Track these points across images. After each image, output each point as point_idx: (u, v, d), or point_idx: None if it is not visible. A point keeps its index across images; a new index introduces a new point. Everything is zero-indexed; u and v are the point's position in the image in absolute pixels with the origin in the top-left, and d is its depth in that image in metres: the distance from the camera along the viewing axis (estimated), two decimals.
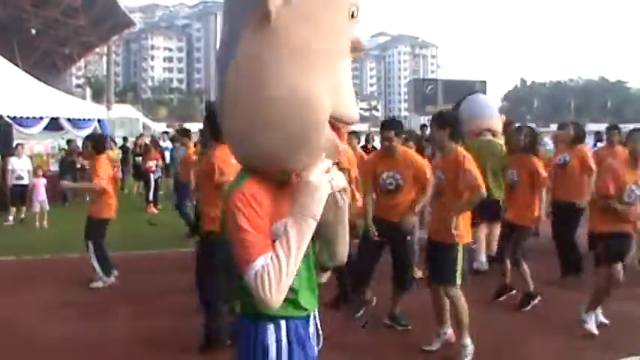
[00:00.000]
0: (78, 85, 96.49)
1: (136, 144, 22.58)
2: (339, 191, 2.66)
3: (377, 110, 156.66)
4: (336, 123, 2.54)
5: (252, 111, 2.47)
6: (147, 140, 22.31)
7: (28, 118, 17.59)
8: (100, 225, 9.43)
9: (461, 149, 6.51)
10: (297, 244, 2.41)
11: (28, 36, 45.94)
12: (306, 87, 2.42)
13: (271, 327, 2.65)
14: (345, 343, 6.50)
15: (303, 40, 2.45)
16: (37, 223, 15.32)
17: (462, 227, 6.37)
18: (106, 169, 9.36)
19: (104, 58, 65.70)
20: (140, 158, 20.43)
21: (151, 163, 18.63)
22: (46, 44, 50.86)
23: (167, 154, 21.03)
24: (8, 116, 16.54)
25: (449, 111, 8.84)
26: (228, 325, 6.35)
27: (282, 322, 2.66)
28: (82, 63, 78.70)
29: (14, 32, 45.42)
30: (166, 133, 26.82)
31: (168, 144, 22.28)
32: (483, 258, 9.90)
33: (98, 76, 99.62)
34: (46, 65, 50.37)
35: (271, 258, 2.40)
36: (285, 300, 2.48)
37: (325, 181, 2.48)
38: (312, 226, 2.45)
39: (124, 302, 8.47)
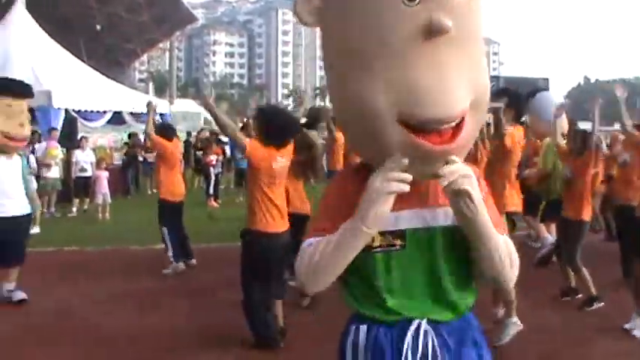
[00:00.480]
0: (141, 80, 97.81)
1: (197, 138, 22.77)
2: (463, 196, 2.20)
3: None
4: (414, 123, 2.17)
5: (334, 111, 2.53)
6: (207, 134, 22.50)
7: (92, 112, 17.86)
8: (166, 207, 9.89)
9: None
10: (336, 243, 2.27)
11: (93, 32, 46.67)
12: (355, 89, 2.23)
13: (352, 329, 2.50)
14: None
15: (346, 39, 2.28)
16: (100, 215, 15.57)
17: None
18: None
19: (167, 54, 66.42)
20: (201, 152, 20.63)
21: (212, 158, 18.75)
22: (111, 40, 51.60)
23: (227, 149, 21.18)
24: (73, 110, 16.83)
25: None
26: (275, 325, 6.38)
27: (364, 326, 2.46)
28: (145, 58, 79.79)
29: (80, 29, 46.22)
30: None
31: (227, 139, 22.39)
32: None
33: (161, 71, 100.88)
34: (110, 60, 51.17)
35: (315, 244, 2.32)
36: (372, 301, 2.41)
37: (384, 185, 2.19)
38: (356, 229, 2.23)
39: (183, 295, 8.53)
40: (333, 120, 12.30)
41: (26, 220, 8.23)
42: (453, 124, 2.17)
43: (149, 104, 10.26)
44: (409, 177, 2.19)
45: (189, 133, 27.09)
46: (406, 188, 2.19)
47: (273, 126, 6.29)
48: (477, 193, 2.21)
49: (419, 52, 2.14)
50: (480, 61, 2.28)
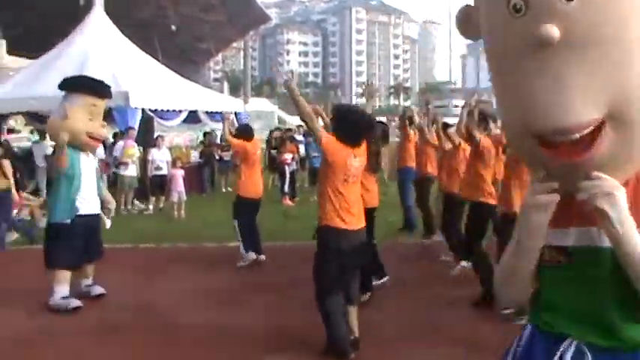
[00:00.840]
0: (216, 79, 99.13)
1: (271, 137, 22.86)
2: (602, 216, 2.06)
3: None
4: (541, 136, 2.08)
5: None
6: (282, 133, 22.57)
7: (168, 111, 18.03)
8: (244, 204, 10.24)
9: None
10: (507, 256, 2.34)
11: (168, 32, 47.42)
12: (498, 104, 2.28)
13: (518, 337, 2.45)
14: None
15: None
16: (175, 213, 15.74)
17: None
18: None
19: (241, 53, 67.14)
20: (275, 151, 20.71)
21: (287, 156, 18.78)
22: (185, 40, 52.38)
23: (301, 147, 21.19)
24: (150, 109, 17.02)
25: None
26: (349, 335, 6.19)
27: (526, 333, 2.41)
28: (219, 58, 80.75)
29: (155, 29, 47.02)
30: (301, 126, 27.01)
31: (302, 137, 22.36)
32: None
33: (235, 70, 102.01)
34: (185, 60, 51.92)
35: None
36: (535, 310, 2.38)
37: (532, 198, 2.16)
38: (516, 241, 2.27)
39: (257, 292, 8.52)
40: (409, 119, 12.25)
41: (99, 217, 8.46)
42: (577, 135, 2.00)
43: (223, 117, 11.66)
44: (554, 185, 2.12)
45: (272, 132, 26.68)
46: (553, 198, 2.13)
47: (348, 125, 6.20)
48: (618, 213, 2.03)
49: (532, 63, 2.04)
50: (621, 66, 2.01)
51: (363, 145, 6.38)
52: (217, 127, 22.02)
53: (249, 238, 10.16)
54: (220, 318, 7.42)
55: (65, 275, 7.74)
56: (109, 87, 8.48)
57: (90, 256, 8.15)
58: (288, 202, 17.96)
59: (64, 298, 7.64)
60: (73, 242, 7.74)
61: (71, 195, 7.76)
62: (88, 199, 7.98)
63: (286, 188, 18.48)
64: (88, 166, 8.04)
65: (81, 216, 7.83)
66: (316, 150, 18.56)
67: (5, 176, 11.71)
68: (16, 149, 21.19)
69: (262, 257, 10.29)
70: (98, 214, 8.33)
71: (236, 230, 10.14)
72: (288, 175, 18.62)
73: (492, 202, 7.96)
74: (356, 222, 6.13)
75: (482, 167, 7.96)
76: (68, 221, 7.72)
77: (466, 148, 8.78)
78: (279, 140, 20.85)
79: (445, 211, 9.68)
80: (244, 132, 10.81)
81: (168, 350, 6.42)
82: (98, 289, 8.23)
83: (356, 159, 6.12)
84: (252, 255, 10.09)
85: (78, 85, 8.09)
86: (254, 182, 10.45)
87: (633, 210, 2.05)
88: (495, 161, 8.36)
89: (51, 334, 6.76)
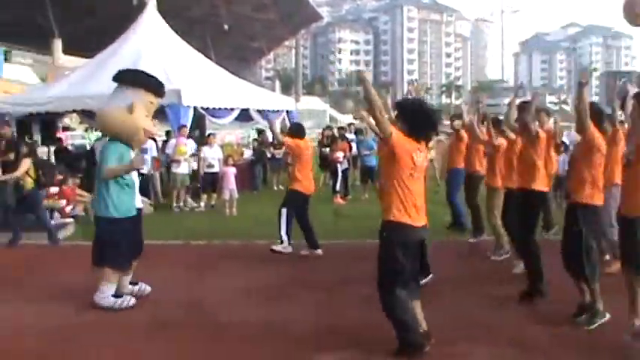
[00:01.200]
0: (267, 78, 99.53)
1: (322, 135, 22.83)
2: None
3: (566, 104, 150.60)
4: None
5: None
6: (333, 131, 22.55)
7: (220, 109, 18.12)
8: (294, 196, 10.64)
9: None
10: None
11: (221, 31, 47.79)
12: None
13: None
14: None
15: None
16: (227, 210, 15.79)
17: None
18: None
19: (293, 52, 67.42)
20: (327, 149, 20.68)
21: (339, 154, 18.71)
22: (238, 38, 52.72)
23: (353, 145, 21.10)
24: (202, 107, 17.11)
25: None
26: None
27: None
28: (271, 56, 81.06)
29: (208, 28, 47.45)
30: (352, 124, 26.93)
31: (353, 136, 22.29)
32: None
33: (287, 68, 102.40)
34: (237, 59, 52.32)
35: None
36: None
37: None
38: None
39: (307, 290, 8.47)
40: (457, 116, 12.18)
41: (141, 212, 8.45)
42: None
43: (270, 122, 12.47)
44: None
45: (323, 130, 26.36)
46: None
47: (417, 120, 6.12)
48: None
49: None
50: None
51: (428, 141, 6.37)
52: (269, 126, 22.12)
53: (304, 232, 10.65)
54: (269, 315, 7.39)
55: (115, 273, 7.67)
56: (163, 85, 8.30)
57: (135, 253, 8.02)
58: (339, 200, 17.87)
59: (115, 296, 7.61)
60: (124, 239, 7.64)
61: (127, 191, 7.74)
62: (136, 196, 8.04)
63: (338, 186, 18.40)
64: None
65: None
66: (367, 148, 18.50)
67: (30, 175, 11.83)
68: (70, 147, 21.56)
69: (319, 252, 10.53)
70: (141, 209, 8.30)
71: (282, 218, 10.44)
72: (340, 174, 18.54)
73: (545, 189, 8.09)
74: (420, 218, 6.04)
75: (537, 157, 7.87)
76: (121, 217, 7.62)
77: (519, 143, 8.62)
78: (331, 138, 20.81)
79: (507, 208, 9.43)
80: (297, 131, 10.98)
81: (215, 346, 6.40)
82: (146, 288, 8.18)
83: (421, 154, 6.04)
84: (289, 249, 10.50)
85: (139, 81, 7.95)
86: (306, 179, 10.67)
87: None
88: (547, 155, 8.22)
89: (100, 329, 6.80)
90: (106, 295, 7.55)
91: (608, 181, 7.71)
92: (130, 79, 7.93)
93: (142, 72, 8.52)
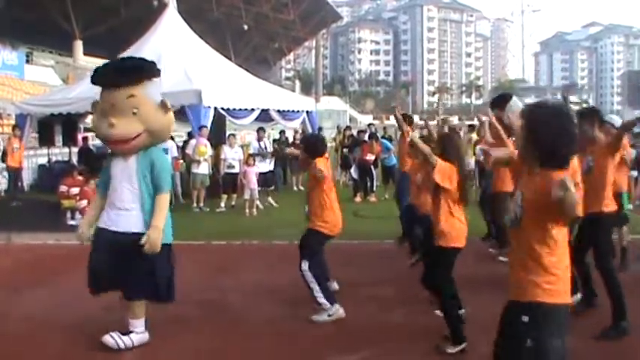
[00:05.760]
0: (287, 78, 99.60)
1: (343, 135, 22.86)
2: None
3: (587, 104, 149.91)
4: None
5: None
6: (354, 132, 22.60)
7: (240, 109, 18.16)
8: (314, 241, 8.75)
9: None
10: None
11: (241, 31, 47.92)
12: None
13: None
14: None
15: None
16: (247, 210, 15.84)
17: None
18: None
19: (312, 52, 67.43)
20: (347, 150, 20.71)
21: (370, 157, 18.72)
22: (257, 39, 52.85)
23: None
24: (222, 108, 17.16)
25: None
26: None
27: None
28: (291, 57, 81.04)
29: (228, 29, 47.58)
30: (372, 124, 26.94)
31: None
32: None
33: (307, 69, 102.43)
34: (257, 59, 52.51)
35: None
36: None
37: None
38: None
39: None
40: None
41: None
42: None
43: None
44: None
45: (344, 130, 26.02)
46: None
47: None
48: None
49: None
50: None
51: None
52: (289, 126, 22.18)
53: None
54: (287, 315, 7.41)
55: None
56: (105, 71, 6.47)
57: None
58: (374, 199, 17.92)
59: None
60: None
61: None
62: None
63: (374, 186, 18.60)
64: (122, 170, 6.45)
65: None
66: (385, 151, 18.52)
67: None
68: (92, 146, 21.67)
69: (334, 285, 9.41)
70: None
71: (305, 276, 7.77)
72: (374, 175, 18.74)
73: None
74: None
75: None
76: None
77: None
78: (351, 139, 20.86)
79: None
80: (314, 146, 8.11)
81: (233, 345, 6.45)
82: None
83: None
84: (331, 304, 9.57)
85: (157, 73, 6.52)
86: (332, 212, 7.98)
87: None
88: None
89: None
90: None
91: None
92: (154, 71, 6.49)
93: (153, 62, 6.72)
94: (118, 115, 6.17)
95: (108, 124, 6.17)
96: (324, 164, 7.83)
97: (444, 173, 6.22)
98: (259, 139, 18.97)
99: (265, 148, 18.59)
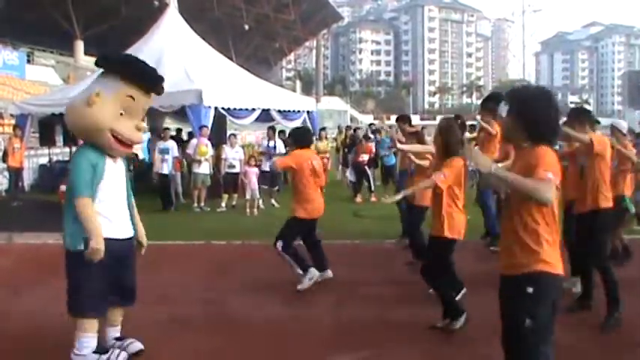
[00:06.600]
0: (288, 78, 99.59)
1: (346, 135, 22.87)
2: None
3: (588, 104, 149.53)
4: None
5: None
6: (356, 132, 22.62)
7: (240, 109, 18.15)
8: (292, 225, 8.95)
9: None
10: None
11: (242, 31, 47.93)
12: None
13: None
14: None
15: None
16: (248, 210, 15.84)
17: None
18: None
19: (313, 52, 67.42)
20: (347, 150, 20.73)
21: (364, 157, 18.71)
22: (258, 39, 52.84)
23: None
24: (223, 108, 17.15)
25: None
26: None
27: None
28: (292, 57, 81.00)
29: (229, 29, 47.59)
30: (372, 124, 26.94)
31: (371, 135, 22.31)
32: None
33: (308, 69, 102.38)
34: (258, 59, 52.49)
35: None
36: None
37: None
38: None
39: (326, 289, 8.44)
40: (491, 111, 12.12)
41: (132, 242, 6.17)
42: None
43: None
44: None
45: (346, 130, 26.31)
46: None
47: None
48: None
49: None
50: None
51: None
52: (290, 126, 22.16)
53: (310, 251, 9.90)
54: (288, 314, 7.41)
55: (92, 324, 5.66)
56: (160, 79, 5.81)
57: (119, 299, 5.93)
58: (375, 199, 17.89)
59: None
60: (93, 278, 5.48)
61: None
62: (113, 219, 5.70)
63: (372, 186, 18.52)
64: (115, 174, 5.75)
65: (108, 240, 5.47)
66: (386, 148, 18.52)
67: None
68: None
69: (329, 274, 8.93)
70: (130, 239, 5.91)
71: (281, 255, 8.64)
72: (370, 175, 18.67)
73: None
74: None
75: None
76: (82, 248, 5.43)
77: None
78: (351, 139, 20.89)
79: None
80: (298, 137, 9.04)
81: (233, 344, 6.42)
82: (135, 346, 6.02)
83: None
84: (307, 272, 8.82)
85: (119, 68, 5.70)
86: (310, 200, 8.95)
87: None
88: None
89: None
90: (83, 351, 5.63)
91: None
92: (109, 64, 5.75)
93: (132, 58, 5.95)
94: (142, 120, 5.95)
95: (137, 127, 5.70)
96: (300, 156, 8.66)
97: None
98: (269, 138, 18.96)
99: (275, 147, 18.55)
